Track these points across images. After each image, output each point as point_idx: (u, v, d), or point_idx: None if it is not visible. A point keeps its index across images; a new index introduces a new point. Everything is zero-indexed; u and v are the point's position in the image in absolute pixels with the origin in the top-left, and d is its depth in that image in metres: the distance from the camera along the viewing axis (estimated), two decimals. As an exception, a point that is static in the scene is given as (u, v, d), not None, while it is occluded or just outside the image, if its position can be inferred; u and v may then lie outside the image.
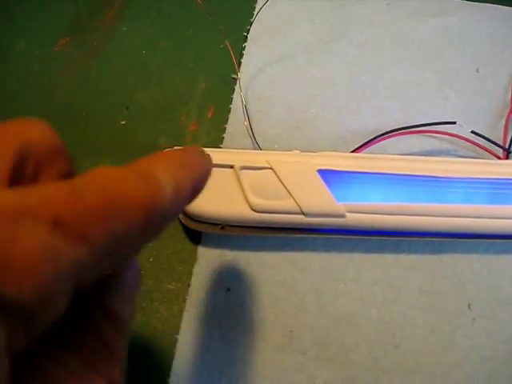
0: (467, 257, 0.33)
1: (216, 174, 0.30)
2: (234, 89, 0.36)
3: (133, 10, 0.39)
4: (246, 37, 0.37)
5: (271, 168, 0.30)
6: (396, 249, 0.33)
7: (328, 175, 0.30)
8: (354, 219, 0.30)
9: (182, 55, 0.38)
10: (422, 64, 0.38)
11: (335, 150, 0.34)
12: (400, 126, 0.34)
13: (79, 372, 0.14)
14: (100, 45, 0.38)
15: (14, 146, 0.14)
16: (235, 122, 0.35)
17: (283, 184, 0.30)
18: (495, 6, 0.39)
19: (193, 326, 0.31)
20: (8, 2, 0.39)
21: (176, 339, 0.30)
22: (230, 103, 0.36)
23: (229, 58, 0.36)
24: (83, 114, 0.36)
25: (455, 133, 0.34)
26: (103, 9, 0.39)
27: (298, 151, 0.32)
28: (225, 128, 0.35)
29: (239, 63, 0.37)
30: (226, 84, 0.37)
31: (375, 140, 0.33)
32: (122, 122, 0.36)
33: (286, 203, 0.30)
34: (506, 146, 0.34)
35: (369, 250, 0.33)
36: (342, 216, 0.30)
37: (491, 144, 0.34)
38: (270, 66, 0.37)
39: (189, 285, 0.32)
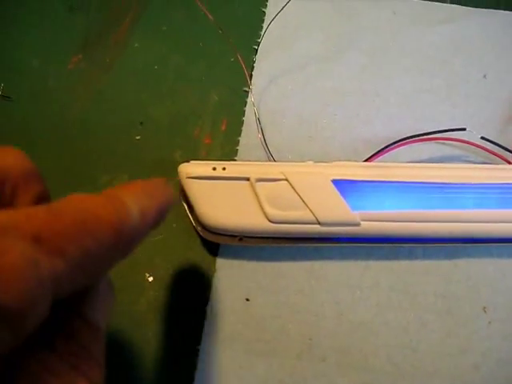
0: (481, 261, 0.34)
1: (233, 186, 0.31)
2: (245, 101, 0.37)
3: (144, 25, 0.39)
4: (256, 49, 0.38)
5: (286, 179, 0.31)
6: (410, 255, 0.34)
7: (342, 185, 0.31)
8: (368, 227, 0.31)
9: (194, 69, 0.38)
10: (430, 71, 0.38)
11: (347, 159, 0.35)
12: (410, 134, 0.34)
13: (63, 373, 0.16)
14: (112, 61, 0.39)
15: None
16: (248, 134, 0.36)
17: (298, 195, 0.31)
18: (501, 11, 0.40)
19: (214, 337, 0.31)
20: (21, 22, 0.40)
21: (198, 350, 0.31)
22: (243, 116, 0.37)
23: (240, 71, 0.36)
24: (98, 130, 0.37)
25: (465, 139, 0.34)
26: (114, 25, 0.39)
27: (311, 162, 0.32)
28: (238, 140, 0.36)
29: (250, 76, 0.37)
30: (238, 97, 0.37)
31: (387, 149, 0.34)
32: (137, 138, 0.36)
33: (301, 213, 0.31)
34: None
35: (384, 256, 0.33)
36: (357, 224, 0.31)
37: (501, 149, 0.34)
38: (281, 77, 0.38)
39: (208, 296, 0.32)
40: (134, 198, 0.17)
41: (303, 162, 0.32)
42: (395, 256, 0.33)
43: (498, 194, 0.32)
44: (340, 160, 0.33)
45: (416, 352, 0.32)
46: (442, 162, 0.36)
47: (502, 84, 0.38)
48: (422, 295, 0.33)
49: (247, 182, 0.31)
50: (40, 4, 0.40)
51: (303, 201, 0.31)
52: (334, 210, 0.31)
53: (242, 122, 0.36)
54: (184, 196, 0.32)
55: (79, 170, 0.35)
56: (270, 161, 0.35)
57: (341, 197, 0.31)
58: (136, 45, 0.39)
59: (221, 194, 0.31)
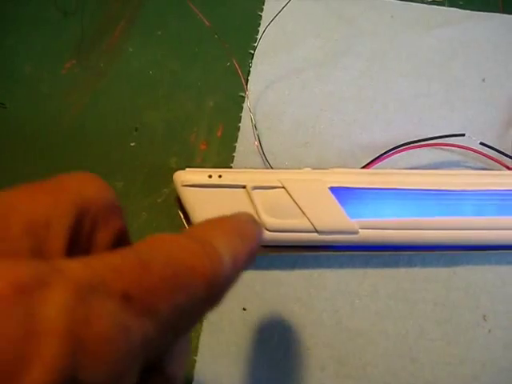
0: (480, 268, 0.33)
1: (229, 194, 0.31)
2: (242, 107, 0.37)
3: (138, 30, 0.39)
4: (253, 54, 0.38)
5: (283, 187, 0.31)
6: (409, 263, 0.33)
7: (340, 192, 0.31)
8: (367, 235, 0.31)
9: (189, 74, 0.38)
10: (428, 75, 0.38)
11: (345, 166, 0.34)
12: (409, 139, 0.34)
13: None
14: (107, 66, 0.38)
15: (72, 204, 0.14)
16: (245, 140, 0.36)
17: (296, 202, 0.30)
18: (499, 14, 0.39)
19: (210, 347, 0.31)
20: (14, 27, 0.39)
21: (195, 360, 0.31)
22: (239, 121, 0.36)
23: (236, 76, 0.36)
24: (92, 136, 0.36)
25: (464, 145, 0.34)
26: (109, 30, 0.39)
27: (309, 169, 0.32)
28: (235, 147, 0.36)
29: (246, 81, 0.37)
30: (234, 102, 0.37)
31: (385, 155, 0.34)
32: (132, 144, 0.36)
33: (299, 222, 0.30)
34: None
35: (382, 264, 0.33)
36: (355, 232, 0.30)
37: (500, 154, 0.34)
38: (278, 82, 0.37)
39: (205, 305, 0.32)
40: (226, 242, 0.15)
41: (300, 168, 0.32)
42: (394, 264, 0.33)
43: (498, 201, 0.32)
44: (338, 167, 0.32)
45: (415, 361, 0.31)
46: (440, 167, 0.35)
47: (501, 88, 0.37)
48: (421, 303, 0.32)
49: (243, 190, 0.31)
50: (34, 9, 0.40)
51: (300, 209, 0.30)
52: (332, 218, 0.30)
53: (239, 127, 0.36)
54: (179, 204, 0.31)
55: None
56: (266, 167, 0.35)
57: (339, 204, 0.30)
58: (130, 50, 0.38)
59: (217, 202, 0.31)
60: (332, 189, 0.31)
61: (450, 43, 0.39)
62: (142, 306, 0.12)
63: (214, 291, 0.14)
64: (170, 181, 0.31)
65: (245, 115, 0.36)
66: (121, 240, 0.16)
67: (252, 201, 0.30)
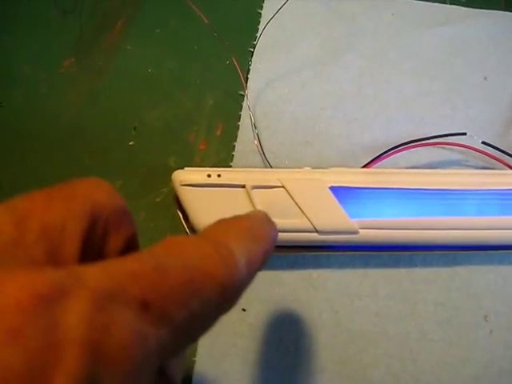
0: (482, 268, 0.33)
1: (228, 194, 0.30)
2: (241, 105, 0.36)
3: (137, 28, 0.39)
4: (252, 52, 0.37)
5: (283, 186, 0.30)
6: (410, 263, 0.33)
7: (340, 192, 0.30)
8: (367, 235, 0.30)
9: (189, 73, 0.37)
10: (430, 74, 0.37)
11: (345, 165, 0.34)
12: (410, 138, 0.34)
13: None
14: (105, 65, 0.38)
15: (85, 209, 0.14)
16: (244, 139, 0.35)
17: (296, 202, 0.30)
18: (501, 12, 0.39)
19: (209, 348, 0.31)
20: (12, 26, 0.39)
21: (193, 362, 0.30)
22: (239, 120, 0.36)
23: (235, 75, 0.36)
24: (91, 135, 0.36)
25: (466, 144, 0.33)
26: (107, 28, 0.39)
27: (309, 168, 0.32)
28: (234, 146, 0.35)
29: (246, 79, 0.37)
30: (234, 101, 0.37)
31: (386, 154, 0.33)
32: (131, 143, 0.36)
33: (299, 221, 0.30)
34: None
35: (383, 264, 0.33)
36: (356, 232, 0.30)
37: (502, 153, 0.34)
38: (278, 80, 0.37)
39: (204, 306, 0.32)
40: (241, 244, 0.15)
41: (300, 168, 0.32)
42: (394, 264, 0.33)
43: (499, 200, 0.31)
44: (338, 166, 0.32)
45: (416, 362, 0.31)
46: (442, 166, 0.35)
47: (503, 86, 0.37)
48: (422, 304, 0.32)
49: (243, 190, 0.30)
50: (32, 8, 0.39)
51: (300, 208, 0.30)
52: (332, 218, 0.30)
53: (238, 126, 0.36)
54: (178, 204, 0.31)
55: (72, 176, 0.34)
56: (266, 166, 0.34)
57: (339, 204, 0.30)
58: (129, 48, 0.38)
59: (216, 201, 0.30)
60: (332, 188, 0.30)
61: (452, 41, 0.38)
62: (158, 314, 0.12)
63: (228, 296, 0.14)
64: (168, 180, 0.31)
65: (244, 114, 0.36)
66: (130, 245, 0.16)
67: (251, 200, 0.30)
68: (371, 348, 0.31)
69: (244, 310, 0.32)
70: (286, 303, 0.32)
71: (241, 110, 0.36)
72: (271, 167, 0.34)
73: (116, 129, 0.36)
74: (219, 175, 0.30)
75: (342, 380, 0.31)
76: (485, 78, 0.37)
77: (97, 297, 0.11)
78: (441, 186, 0.31)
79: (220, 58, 0.37)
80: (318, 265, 0.33)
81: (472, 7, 0.39)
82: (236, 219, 0.17)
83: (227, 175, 0.31)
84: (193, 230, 0.31)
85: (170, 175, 0.31)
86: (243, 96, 0.36)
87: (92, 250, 0.15)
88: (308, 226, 0.30)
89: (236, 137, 0.35)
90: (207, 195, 0.30)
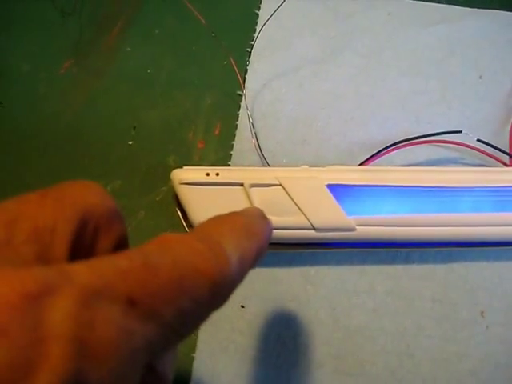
0: (478, 265, 0.33)
1: (226, 192, 0.31)
2: (239, 105, 0.37)
3: (136, 29, 0.39)
4: (250, 52, 0.38)
5: (280, 184, 0.31)
6: (407, 259, 0.33)
7: (337, 189, 0.31)
8: (364, 232, 0.31)
9: (187, 73, 0.38)
10: (425, 73, 0.38)
11: (343, 163, 0.34)
12: (406, 136, 0.34)
13: None
14: (104, 65, 0.38)
15: (76, 210, 0.14)
16: (242, 138, 0.36)
17: (293, 200, 0.30)
18: (496, 11, 0.39)
19: (208, 345, 0.31)
20: (11, 27, 0.39)
21: (192, 358, 0.31)
22: (237, 120, 0.36)
23: (233, 74, 0.36)
24: (90, 136, 0.36)
25: (461, 141, 0.34)
26: (106, 29, 0.39)
27: (306, 166, 0.32)
28: (232, 145, 0.36)
29: (244, 79, 0.37)
30: (232, 100, 0.37)
31: (382, 152, 0.34)
32: (130, 143, 0.36)
33: (296, 219, 0.30)
34: (513, 153, 0.35)
35: (380, 261, 0.33)
36: (353, 229, 0.31)
37: (497, 151, 0.34)
38: (275, 80, 0.37)
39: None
40: (234, 241, 0.15)
41: (298, 166, 0.32)
42: (391, 261, 0.33)
43: (494, 197, 0.32)
44: (335, 164, 0.32)
45: (413, 358, 0.31)
46: (437, 164, 0.35)
47: (498, 85, 0.37)
48: (419, 300, 0.33)
49: (241, 188, 0.31)
50: (32, 9, 0.40)
51: (298, 206, 0.30)
52: (329, 216, 0.30)
53: (236, 126, 0.36)
54: (178, 202, 0.31)
55: (71, 176, 0.34)
56: (264, 165, 0.35)
57: (336, 202, 0.30)
58: (128, 49, 0.39)
59: (214, 199, 0.31)
60: (329, 186, 0.31)
61: (448, 40, 0.39)
62: (146, 311, 0.12)
63: (219, 292, 0.14)
64: (167, 179, 0.31)
65: (242, 113, 0.36)
66: (121, 245, 0.16)
67: (249, 198, 0.30)
68: (368, 344, 0.32)
69: (243, 306, 0.32)
70: (283, 300, 0.32)
71: (239, 110, 0.37)
72: (269, 166, 0.35)
73: (115, 129, 0.36)
74: (218, 174, 0.31)
75: (339, 376, 0.31)
76: (480, 77, 0.38)
77: (83, 293, 0.11)
78: (437, 184, 0.31)
79: (218, 59, 0.38)
80: (315, 262, 0.33)
81: (468, 6, 0.40)
82: (230, 216, 0.17)
83: (225, 174, 0.31)
84: (192, 227, 0.31)
85: (169, 174, 0.31)
86: (241, 96, 0.37)
87: (82, 250, 0.15)
88: (305, 223, 0.30)
89: (234, 136, 0.36)
90: (206, 193, 0.30)
